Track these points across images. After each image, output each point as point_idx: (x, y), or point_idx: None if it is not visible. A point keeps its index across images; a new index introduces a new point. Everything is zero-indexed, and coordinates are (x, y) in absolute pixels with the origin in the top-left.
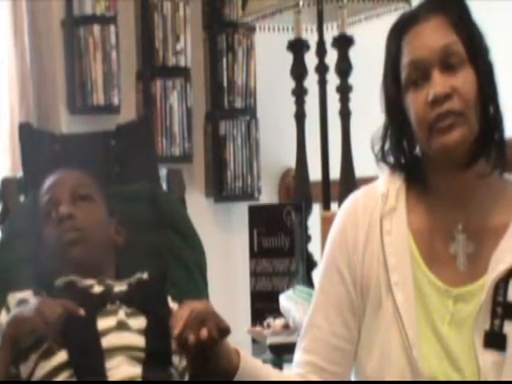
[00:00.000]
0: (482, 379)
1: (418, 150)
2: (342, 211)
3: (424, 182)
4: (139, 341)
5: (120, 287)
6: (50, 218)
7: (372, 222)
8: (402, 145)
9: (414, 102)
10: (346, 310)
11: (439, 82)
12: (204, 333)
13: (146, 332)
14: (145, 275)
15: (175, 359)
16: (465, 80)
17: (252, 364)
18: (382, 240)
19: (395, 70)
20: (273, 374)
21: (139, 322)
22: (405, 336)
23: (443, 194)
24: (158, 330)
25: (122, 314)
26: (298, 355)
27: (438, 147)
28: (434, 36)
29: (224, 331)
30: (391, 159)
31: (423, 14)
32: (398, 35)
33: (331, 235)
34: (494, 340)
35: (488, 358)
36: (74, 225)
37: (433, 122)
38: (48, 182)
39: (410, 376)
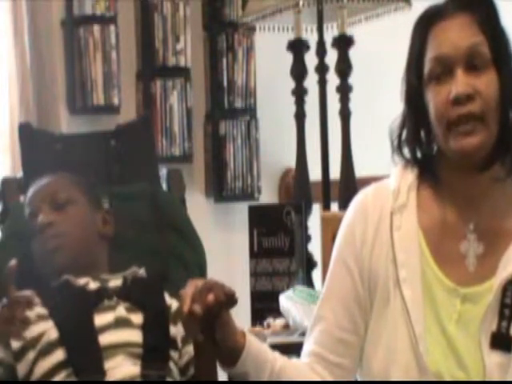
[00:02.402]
0: (487, 379)
1: (434, 145)
2: (351, 207)
3: (437, 179)
4: (138, 336)
5: (115, 281)
6: (34, 229)
7: (382, 218)
8: (419, 136)
9: (435, 98)
10: (353, 304)
11: (462, 82)
12: (210, 297)
13: (143, 328)
14: (141, 270)
15: (175, 354)
16: (488, 82)
17: (257, 346)
18: (391, 236)
19: (419, 62)
20: (278, 358)
21: (137, 317)
22: (411, 331)
23: (456, 193)
24: (155, 326)
25: (121, 309)
26: (306, 345)
27: (457, 150)
28: (460, 34)
29: (231, 297)
30: (406, 152)
31: (451, 9)
32: (424, 28)
33: (340, 230)
34: (501, 341)
35: (494, 358)
36: (54, 232)
37: (453, 122)
38: (28, 194)
39: (416, 371)
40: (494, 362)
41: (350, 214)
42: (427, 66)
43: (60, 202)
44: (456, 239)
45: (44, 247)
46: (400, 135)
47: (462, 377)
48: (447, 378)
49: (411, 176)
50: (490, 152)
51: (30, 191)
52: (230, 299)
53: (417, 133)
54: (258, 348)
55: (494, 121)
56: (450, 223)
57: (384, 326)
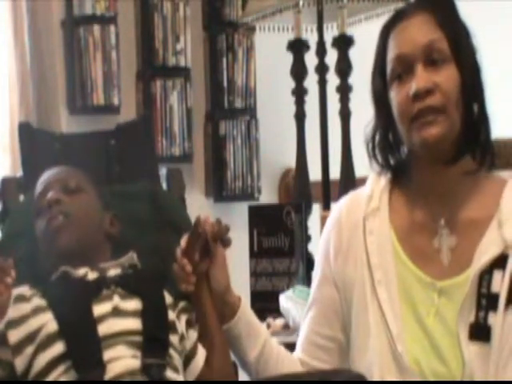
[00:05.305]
0: (466, 371)
1: (403, 147)
2: (329, 217)
3: (409, 180)
4: (135, 324)
5: (114, 271)
6: (41, 208)
7: (355, 224)
8: (389, 139)
9: (397, 96)
10: (331, 313)
11: (421, 77)
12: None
13: (142, 315)
14: (134, 255)
15: (174, 339)
16: (447, 77)
17: (252, 315)
18: (364, 240)
19: (382, 65)
20: (274, 341)
21: (134, 304)
22: (388, 332)
23: (426, 190)
24: (154, 312)
25: (116, 298)
26: (295, 351)
27: (418, 141)
28: (418, 31)
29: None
30: (379, 157)
31: (411, 10)
32: (386, 32)
33: (320, 240)
34: (479, 332)
35: (473, 349)
36: (61, 209)
37: (414, 117)
38: (40, 179)
39: (396, 371)
40: (473, 352)
41: (327, 224)
42: (389, 67)
43: (72, 188)
44: (428, 235)
45: (49, 224)
46: (373, 139)
47: (442, 371)
48: (428, 373)
49: (384, 180)
50: (456, 145)
51: (42, 177)
52: (221, 227)
53: (387, 136)
54: (253, 318)
55: (455, 113)
56: (421, 220)
57: (365, 330)
